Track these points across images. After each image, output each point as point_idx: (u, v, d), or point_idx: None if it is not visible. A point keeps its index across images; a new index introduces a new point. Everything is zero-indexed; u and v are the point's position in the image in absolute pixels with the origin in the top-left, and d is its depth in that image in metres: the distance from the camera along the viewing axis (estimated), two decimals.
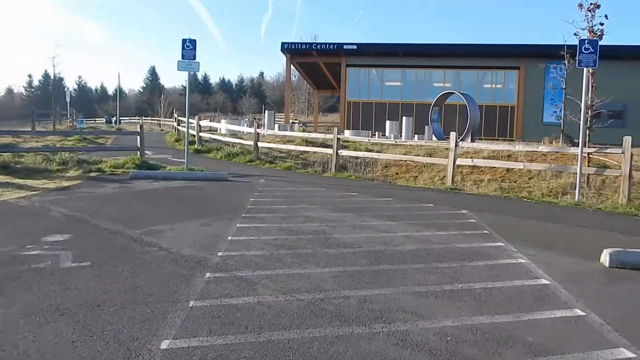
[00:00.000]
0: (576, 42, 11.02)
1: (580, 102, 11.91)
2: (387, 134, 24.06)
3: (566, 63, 19.37)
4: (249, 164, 16.08)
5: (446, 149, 14.97)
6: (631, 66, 26.51)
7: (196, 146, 19.40)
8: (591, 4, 12.29)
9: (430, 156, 16.48)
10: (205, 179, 11.86)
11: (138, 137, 14.76)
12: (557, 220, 8.03)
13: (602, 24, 11.97)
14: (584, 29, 12.53)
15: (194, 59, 12.71)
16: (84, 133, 20.64)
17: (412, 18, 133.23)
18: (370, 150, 16.35)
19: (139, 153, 14.57)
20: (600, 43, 12.31)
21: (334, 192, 10.59)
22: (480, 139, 25.22)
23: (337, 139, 14.03)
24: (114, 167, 13.06)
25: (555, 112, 28.73)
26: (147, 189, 10.22)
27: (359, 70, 31.34)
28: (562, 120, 19.94)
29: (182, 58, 12.65)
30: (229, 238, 6.12)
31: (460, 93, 24.47)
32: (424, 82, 30.73)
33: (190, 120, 24.08)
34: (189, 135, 22.34)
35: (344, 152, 14.38)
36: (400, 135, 22.92)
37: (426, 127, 23.28)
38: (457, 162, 11.88)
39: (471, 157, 13.89)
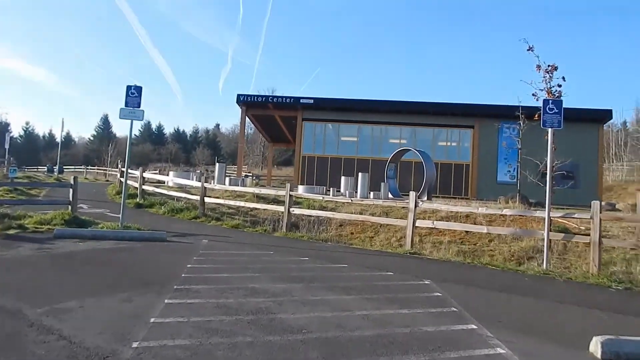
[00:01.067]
0: (533, 103, 10.81)
1: (538, 161, 11.58)
2: (342, 190, 23.39)
3: (521, 123, 19.45)
4: (193, 220, 14.93)
5: (403, 208, 14.32)
6: (580, 128, 27.04)
7: (138, 200, 18.12)
8: (549, 65, 12.21)
9: (387, 215, 15.80)
10: (140, 239, 10.66)
11: (70, 190, 13.50)
12: (529, 293, 7.27)
13: (559, 86, 11.83)
14: (542, 90, 12.38)
15: (139, 106, 11.75)
16: (15, 184, 19.00)
17: (369, 75, 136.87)
18: (324, 208, 15.55)
19: (70, 207, 13.27)
20: None
21: (283, 256, 9.59)
22: (436, 197, 24.89)
23: (290, 195, 13.15)
24: (39, 223, 11.70)
25: (509, 171, 28.98)
26: (69, 251, 8.95)
27: (315, 124, 30.99)
28: (517, 180, 19.81)
29: (126, 105, 11.68)
30: (152, 320, 5.02)
31: (416, 150, 24.25)
32: (380, 138, 30.59)
33: (134, 171, 22.81)
34: (131, 188, 21.05)
35: (296, 210, 13.47)
36: (356, 192, 22.28)
37: (382, 183, 22.78)
38: (417, 224, 11.13)
39: (430, 218, 13.28)
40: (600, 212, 8.77)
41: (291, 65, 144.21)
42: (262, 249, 10.23)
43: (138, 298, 5.83)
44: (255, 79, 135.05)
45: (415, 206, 10.98)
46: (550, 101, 9.74)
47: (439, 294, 6.77)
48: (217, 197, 17.46)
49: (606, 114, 28.61)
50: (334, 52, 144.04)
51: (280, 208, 13.66)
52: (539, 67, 12.30)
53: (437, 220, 12.43)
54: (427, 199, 22.68)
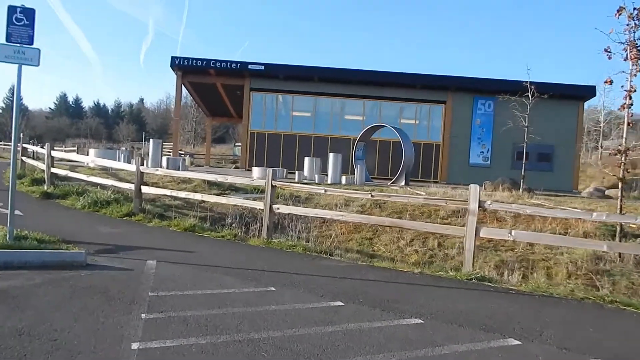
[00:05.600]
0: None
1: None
2: (306, 173, 19.50)
3: (530, 96, 16.32)
4: (127, 219, 10.49)
5: (457, 211, 10.72)
6: (558, 106, 24.29)
7: (46, 188, 13.33)
8: (635, 9, 8.84)
9: (380, 207, 12.35)
10: (39, 264, 6.23)
11: None
12: None
13: None
14: (622, 43, 9.01)
15: (31, 43, 7.16)
16: None
17: (318, 49, 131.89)
18: (297, 198, 11.80)
19: None
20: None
21: (297, 297, 5.51)
22: (412, 181, 21.50)
23: (272, 186, 9.00)
24: None
25: (483, 152, 26.09)
26: None
27: (265, 95, 26.73)
28: (522, 164, 16.64)
29: (8, 39, 7.01)
30: None
31: (393, 127, 20.70)
32: (339, 114, 26.84)
33: (40, 148, 17.76)
34: (38, 170, 16.05)
35: (283, 209, 9.28)
36: (326, 176, 18.48)
37: (358, 166, 19.10)
38: (484, 235, 7.22)
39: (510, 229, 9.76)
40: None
41: (217, 39, 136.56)
42: (253, 281, 6.11)
43: None
44: (181, 53, 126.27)
45: (479, 206, 7.13)
46: None
47: None
48: (156, 184, 13.18)
49: (588, 92, 26.21)
50: (267, 22, 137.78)
51: (258, 205, 9.49)
52: (620, 10, 8.91)
53: (518, 231, 8.57)
54: (405, 184, 19.30)
